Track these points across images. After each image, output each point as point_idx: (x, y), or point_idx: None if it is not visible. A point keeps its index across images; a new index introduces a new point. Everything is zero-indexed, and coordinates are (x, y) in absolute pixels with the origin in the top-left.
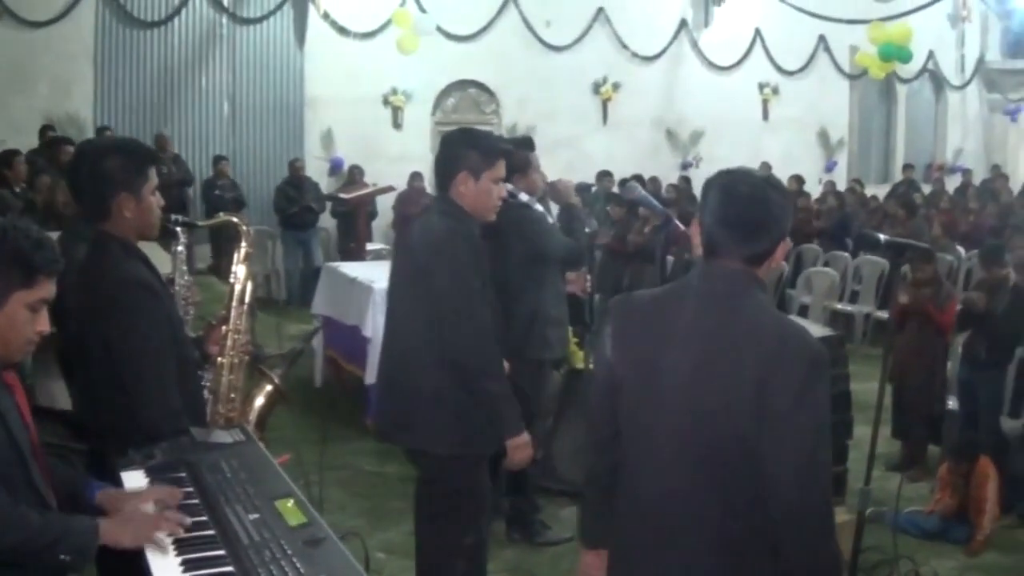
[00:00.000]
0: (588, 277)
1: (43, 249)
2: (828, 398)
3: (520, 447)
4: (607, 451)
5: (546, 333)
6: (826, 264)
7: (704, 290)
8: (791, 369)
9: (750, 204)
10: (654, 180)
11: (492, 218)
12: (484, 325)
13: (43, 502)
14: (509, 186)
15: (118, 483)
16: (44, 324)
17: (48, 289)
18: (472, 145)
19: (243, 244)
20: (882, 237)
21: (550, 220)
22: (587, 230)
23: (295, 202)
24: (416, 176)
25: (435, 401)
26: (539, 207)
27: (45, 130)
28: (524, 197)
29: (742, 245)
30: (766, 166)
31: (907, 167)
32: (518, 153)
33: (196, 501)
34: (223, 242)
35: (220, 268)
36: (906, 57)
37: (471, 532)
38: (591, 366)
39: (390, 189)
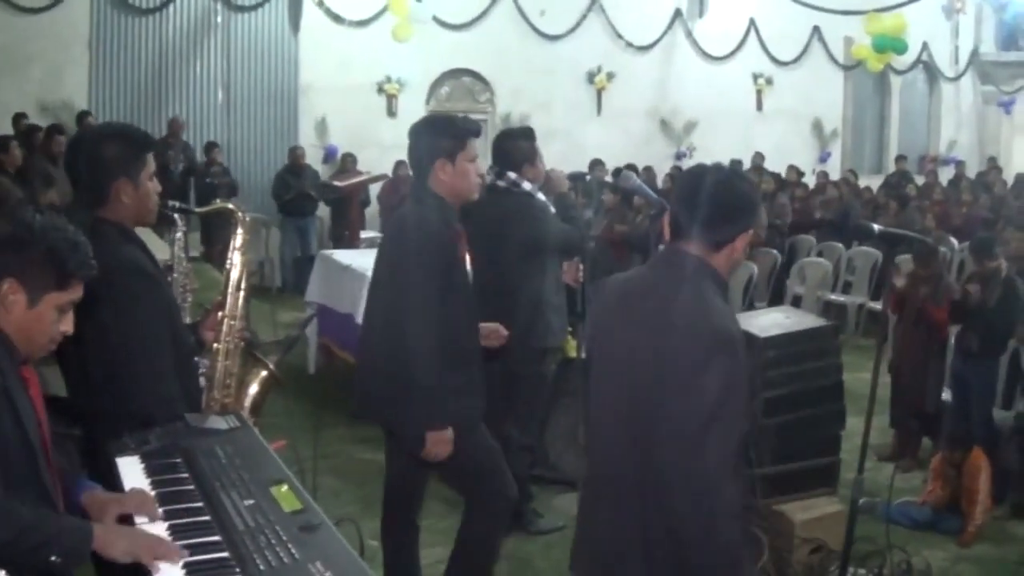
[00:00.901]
0: (581, 267)
1: (78, 252)
2: (726, 383)
3: (439, 442)
4: None
5: (550, 320)
6: (820, 254)
7: (655, 272)
8: (688, 349)
9: (716, 191)
10: (648, 170)
11: (476, 197)
12: (429, 323)
13: (49, 499)
14: (513, 175)
15: (112, 468)
16: (68, 325)
17: (78, 291)
18: (441, 132)
19: (239, 231)
20: (876, 227)
21: (552, 210)
22: (588, 216)
23: (293, 189)
24: (400, 165)
25: (409, 386)
26: (542, 196)
27: (19, 118)
28: (527, 186)
29: (704, 230)
30: (759, 156)
31: (900, 158)
32: (526, 144)
33: (191, 487)
34: (214, 229)
35: (211, 255)
36: (901, 48)
37: (504, 493)
38: (583, 355)
39: (384, 177)
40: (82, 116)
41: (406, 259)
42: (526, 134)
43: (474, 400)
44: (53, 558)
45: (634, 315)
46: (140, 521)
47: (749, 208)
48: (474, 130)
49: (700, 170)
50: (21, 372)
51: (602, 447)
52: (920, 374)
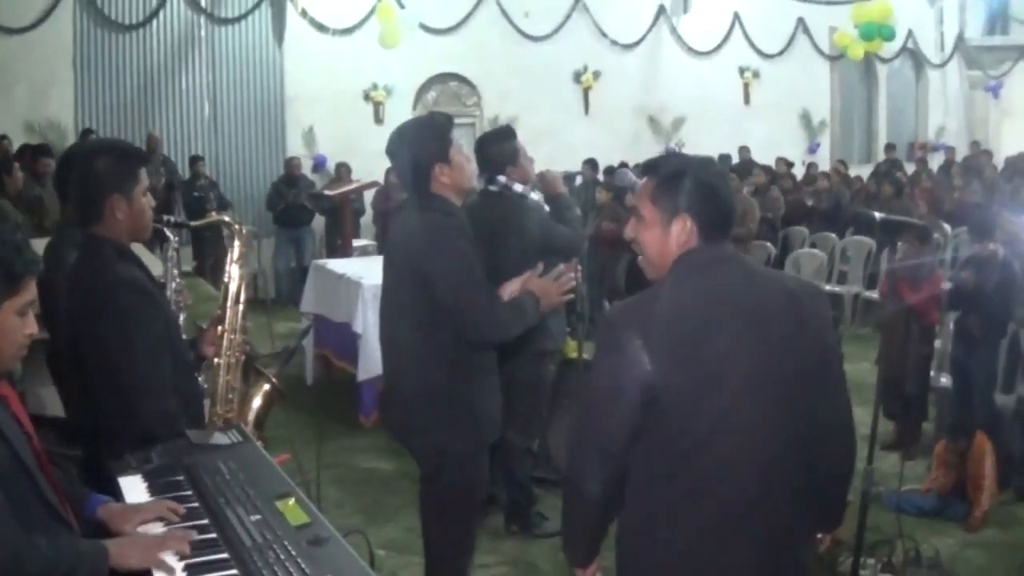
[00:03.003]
0: (579, 268)
1: (22, 252)
2: None
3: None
4: (619, 463)
5: (547, 323)
6: (813, 246)
7: (729, 273)
8: (828, 313)
9: (731, 191)
10: (639, 168)
11: (474, 185)
12: (498, 304)
13: (57, 516)
14: (503, 178)
15: (114, 488)
16: (32, 326)
17: (32, 291)
18: (426, 138)
19: (236, 243)
20: (877, 215)
21: (546, 209)
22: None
23: (287, 201)
24: (392, 171)
25: (432, 398)
26: (535, 196)
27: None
28: (519, 188)
29: (732, 229)
30: (746, 150)
31: (889, 147)
32: (507, 145)
33: (196, 504)
34: (205, 243)
35: (203, 269)
36: (889, 34)
37: (472, 525)
38: (588, 358)
39: (374, 185)
40: (85, 134)
41: (449, 268)
42: (505, 135)
43: (487, 417)
44: None
45: (739, 321)
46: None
47: None
48: (451, 123)
49: (717, 172)
50: None
51: (761, 475)
52: (901, 357)
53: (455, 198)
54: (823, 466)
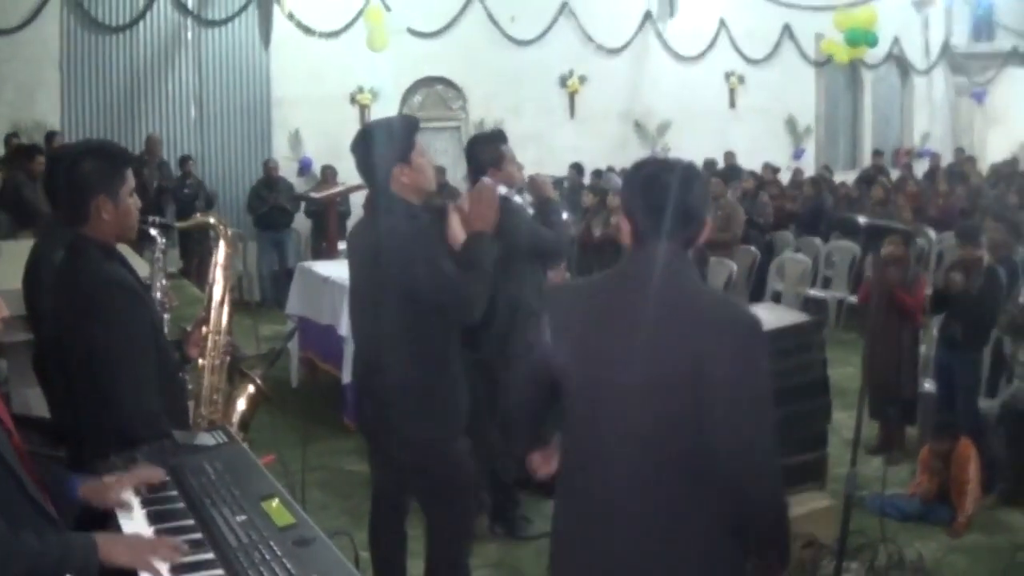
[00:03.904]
0: (568, 275)
1: None
2: (767, 367)
3: None
4: (541, 392)
5: (525, 327)
6: (798, 250)
7: (644, 274)
8: (730, 339)
9: (682, 191)
10: (624, 172)
11: (435, 188)
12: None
13: (42, 511)
14: (487, 180)
15: None
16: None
17: None
18: (388, 139)
19: (222, 245)
20: (862, 220)
21: (529, 211)
22: (564, 218)
23: (267, 203)
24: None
25: (410, 392)
26: (518, 199)
27: (10, 138)
28: (503, 190)
29: (677, 230)
30: (731, 156)
31: (876, 153)
32: (490, 148)
33: (181, 504)
34: (192, 244)
35: (189, 270)
36: (872, 40)
37: (472, 513)
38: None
39: (360, 187)
40: (50, 136)
41: (425, 269)
42: (492, 138)
43: (459, 404)
44: None
45: (633, 319)
46: (127, 525)
47: (707, 202)
48: (415, 126)
49: (659, 170)
50: None
51: (618, 466)
52: (894, 361)
53: (415, 199)
54: (729, 493)
